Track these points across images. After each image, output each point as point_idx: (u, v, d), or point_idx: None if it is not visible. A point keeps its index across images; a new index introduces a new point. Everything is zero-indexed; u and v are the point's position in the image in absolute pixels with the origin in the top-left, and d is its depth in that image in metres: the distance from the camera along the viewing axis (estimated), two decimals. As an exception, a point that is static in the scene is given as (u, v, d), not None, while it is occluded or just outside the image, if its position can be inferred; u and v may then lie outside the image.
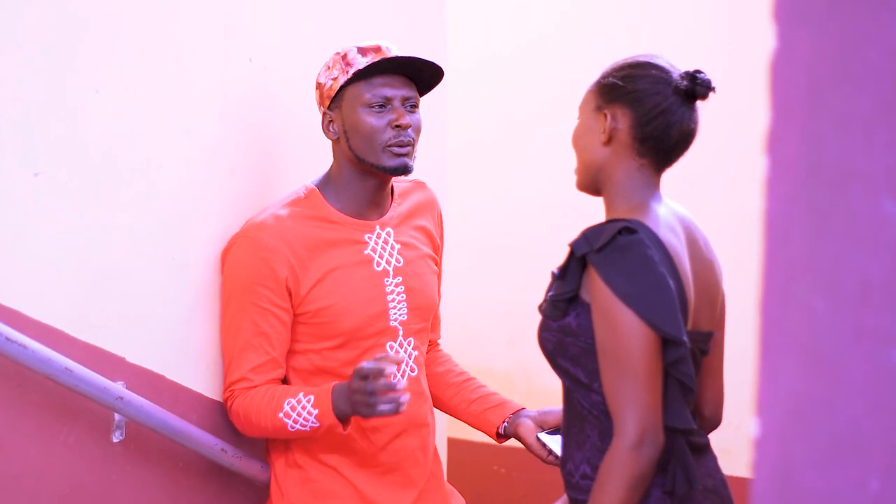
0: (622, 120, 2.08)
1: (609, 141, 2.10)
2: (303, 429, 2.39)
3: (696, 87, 2.07)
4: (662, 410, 2.01)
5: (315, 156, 2.71)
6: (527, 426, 2.56)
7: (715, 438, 2.26)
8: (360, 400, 2.28)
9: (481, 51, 4.47)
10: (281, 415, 2.39)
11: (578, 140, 2.15)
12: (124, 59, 2.28)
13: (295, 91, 2.75)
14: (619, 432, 1.97)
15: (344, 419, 2.37)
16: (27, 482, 2.13)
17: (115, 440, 2.31)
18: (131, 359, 2.33)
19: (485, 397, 2.70)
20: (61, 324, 2.17)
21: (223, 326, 2.49)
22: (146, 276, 2.36)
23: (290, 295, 2.43)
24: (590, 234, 2.02)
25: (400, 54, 2.44)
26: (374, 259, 2.52)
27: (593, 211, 2.56)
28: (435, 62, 2.46)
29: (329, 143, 2.56)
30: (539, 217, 4.38)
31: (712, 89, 2.08)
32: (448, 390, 2.74)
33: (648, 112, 2.07)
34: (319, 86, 2.50)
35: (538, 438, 2.52)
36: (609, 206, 2.13)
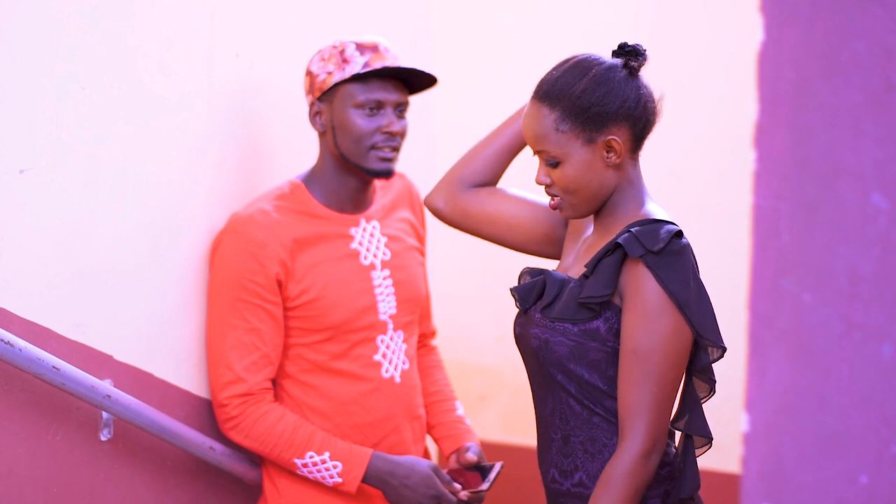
0: (623, 135, 2.01)
1: (619, 162, 2.03)
2: (312, 477, 2.46)
3: (637, 59, 2.02)
4: (687, 417, 2.02)
5: (301, 153, 2.70)
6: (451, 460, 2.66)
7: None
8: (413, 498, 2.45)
9: (469, 37, 4.45)
10: (298, 461, 2.44)
11: (580, 180, 2.02)
12: (109, 56, 2.26)
13: (282, 87, 2.74)
14: (631, 438, 1.94)
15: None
16: (15, 481, 2.12)
17: (103, 438, 2.30)
18: (119, 357, 2.32)
19: (442, 425, 2.74)
20: (48, 322, 2.16)
21: (211, 323, 2.47)
22: (133, 273, 2.35)
23: (280, 288, 2.43)
24: (642, 236, 1.95)
25: (397, 60, 2.46)
26: (360, 253, 2.53)
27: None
28: (432, 73, 2.48)
29: (316, 138, 2.56)
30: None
31: (644, 52, 2.03)
32: None
33: (639, 114, 2.02)
34: (311, 74, 2.50)
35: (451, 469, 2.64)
36: (616, 208, 2.06)
